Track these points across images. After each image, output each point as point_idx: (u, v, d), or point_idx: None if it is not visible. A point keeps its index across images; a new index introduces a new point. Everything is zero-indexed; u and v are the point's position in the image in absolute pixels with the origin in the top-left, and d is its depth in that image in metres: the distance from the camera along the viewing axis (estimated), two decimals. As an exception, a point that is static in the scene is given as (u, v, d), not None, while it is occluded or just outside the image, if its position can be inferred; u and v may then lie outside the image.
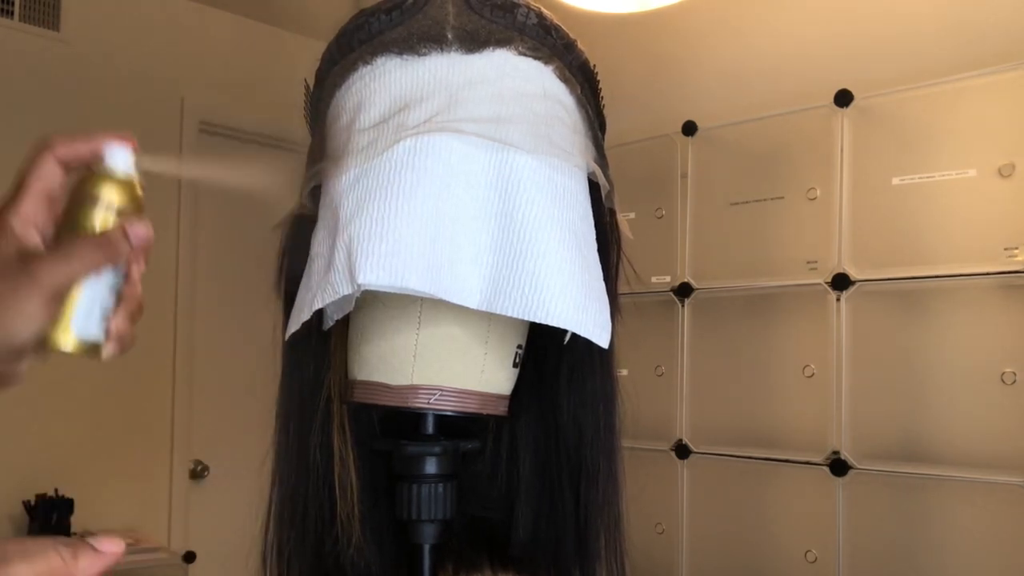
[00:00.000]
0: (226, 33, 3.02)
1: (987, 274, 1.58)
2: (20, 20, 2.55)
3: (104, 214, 0.50)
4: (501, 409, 0.65)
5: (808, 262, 1.83)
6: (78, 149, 0.51)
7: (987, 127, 1.62)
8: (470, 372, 0.62)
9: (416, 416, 0.64)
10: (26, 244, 0.49)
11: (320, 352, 0.67)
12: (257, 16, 3.07)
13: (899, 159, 1.71)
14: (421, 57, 0.60)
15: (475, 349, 0.62)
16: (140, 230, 0.50)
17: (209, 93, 2.96)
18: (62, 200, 0.51)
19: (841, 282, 1.74)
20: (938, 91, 1.67)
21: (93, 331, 0.50)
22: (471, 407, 0.62)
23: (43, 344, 0.49)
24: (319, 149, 0.63)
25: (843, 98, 1.76)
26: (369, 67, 0.61)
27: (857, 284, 1.72)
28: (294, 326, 0.58)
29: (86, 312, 0.50)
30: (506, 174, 0.56)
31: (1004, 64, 1.59)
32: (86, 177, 0.51)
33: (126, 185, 0.51)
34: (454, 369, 0.61)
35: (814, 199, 1.84)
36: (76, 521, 2.49)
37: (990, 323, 1.63)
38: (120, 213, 0.50)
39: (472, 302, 0.56)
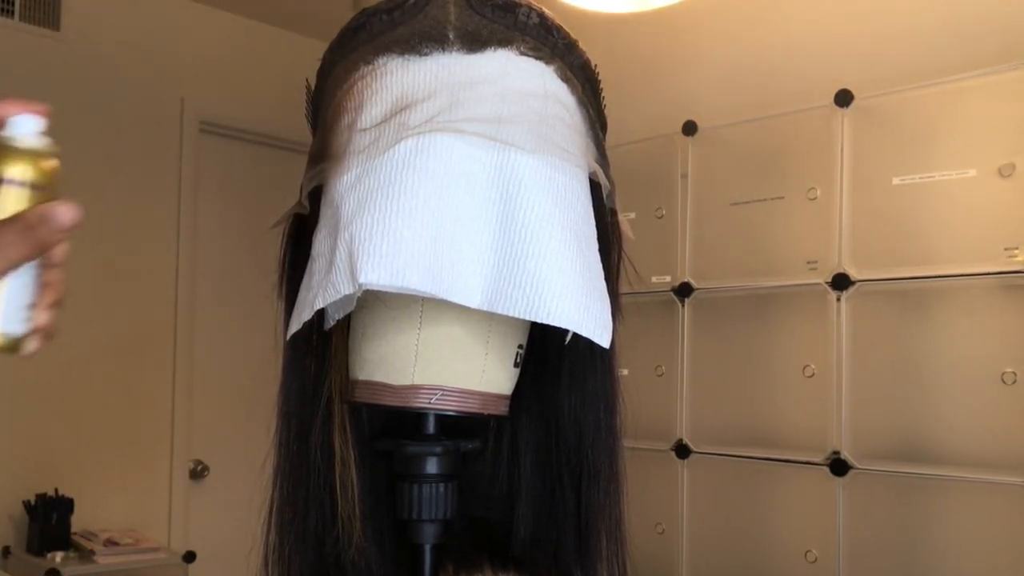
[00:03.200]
0: (226, 33, 3.02)
1: (987, 274, 1.58)
2: (20, 20, 2.55)
3: (15, 192, 0.44)
4: (502, 409, 0.65)
5: (808, 262, 1.83)
6: None
7: (987, 127, 1.62)
8: (471, 372, 0.62)
9: (417, 416, 0.64)
10: None
11: (321, 352, 0.67)
12: (257, 16, 3.07)
13: (899, 159, 1.71)
14: (423, 57, 0.60)
15: (476, 349, 0.62)
16: (65, 214, 0.44)
17: (209, 93, 2.96)
18: None
19: (841, 282, 1.74)
20: (938, 91, 1.67)
21: (15, 326, 0.46)
22: (472, 407, 0.62)
23: None
24: (320, 149, 0.63)
25: (843, 98, 1.76)
26: (370, 67, 0.61)
27: (857, 284, 1.72)
28: (295, 326, 0.58)
29: (8, 307, 0.45)
30: (507, 174, 0.56)
31: (1004, 64, 1.59)
32: None
33: (36, 157, 0.45)
34: (455, 369, 0.61)
35: (814, 199, 1.84)
36: (76, 521, 2.49)
37: (990, 323, 1.63)
38: (34, 190, 0.44)
39: (473, 302, 0.56)
